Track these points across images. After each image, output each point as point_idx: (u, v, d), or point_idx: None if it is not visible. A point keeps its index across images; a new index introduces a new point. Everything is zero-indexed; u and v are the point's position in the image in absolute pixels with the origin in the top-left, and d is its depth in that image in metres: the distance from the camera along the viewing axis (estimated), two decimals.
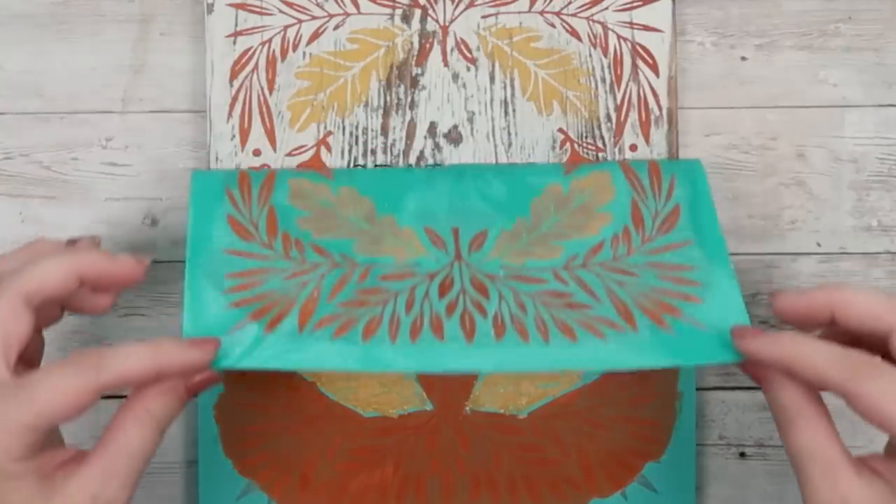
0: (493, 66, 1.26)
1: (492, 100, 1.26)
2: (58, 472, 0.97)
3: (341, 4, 1.26)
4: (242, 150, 1.26)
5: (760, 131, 1.29)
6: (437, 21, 1.26)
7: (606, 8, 1.26)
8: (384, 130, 1.26)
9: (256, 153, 1.26)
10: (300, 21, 1.26)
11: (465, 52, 1.26)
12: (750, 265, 1.29)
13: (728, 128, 1.29)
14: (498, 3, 1.26)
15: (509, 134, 1.26)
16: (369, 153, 1.26)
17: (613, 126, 1.26)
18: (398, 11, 1.26)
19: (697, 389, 1.29)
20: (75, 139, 1.28)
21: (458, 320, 1.08)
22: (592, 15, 1.26)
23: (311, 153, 1.26)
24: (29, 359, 1.04)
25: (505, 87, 1.26)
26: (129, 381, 0.97)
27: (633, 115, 1.26)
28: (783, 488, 1.30)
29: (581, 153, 1.26)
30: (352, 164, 1.26)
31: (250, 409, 1.20)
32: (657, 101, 1.26)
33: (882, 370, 0.93)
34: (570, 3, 1.26)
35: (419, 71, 1.26)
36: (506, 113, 1.26)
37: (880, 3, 1.28)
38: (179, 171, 1.29)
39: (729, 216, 1.29)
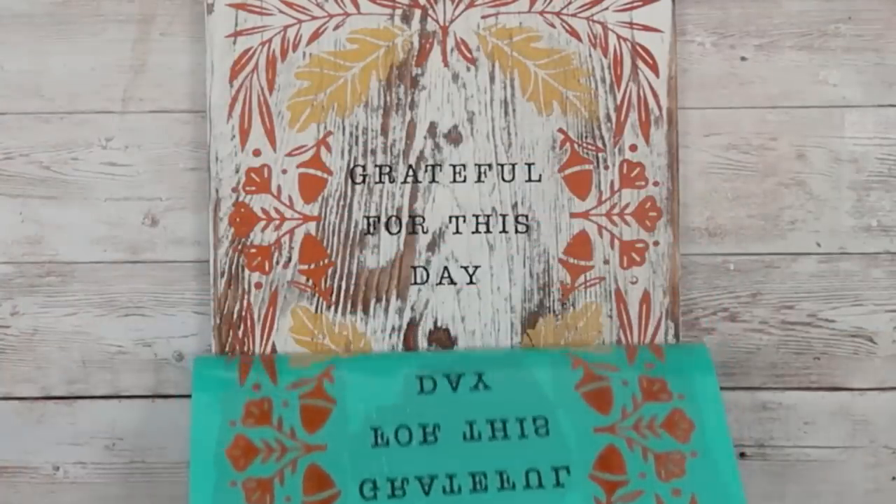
0: (493, 66, 1.26)
1: (492, 100, 1.26)
2: None
3: (341, 4, 1.26)
4: (242, 150, 1.26)
5: (760, 131, 1.29)
6: (437, 21, 1.26)
7: (606, 8, 1.26)
8: (384, 130, 1.26)
9: (256, 153, 1.26)
10: (300, 21, 1.26)
11: (465, 52, 1.26)
12: (750, 265, 1.29)
13: (728, 128, 1.29)
14: (498, 3, 1.26)
15: (509, 134, 1.26)
16: (369, 153, 1.26)
17: (613, 126, 1.26)
18: (398, 11, 1.26)
19: None
20: (75, 139, 1.28)
21: None
22: (592, 15, 1.26)
23: (311, 153, 1.26)
24: None
25: (505, 87, 1.26)
26: None
27: (633, 115, 1.26)
28: (783, 488, 1.30)
29: (581, 153, 1.26)
30: (352, 164, 1.26)
31: None
32: (657, 101, 1.26)
33: None
34: (570, 3, 1.26)
35: (419, 71, 1.26)
36: (506, 113, 1.26)
37: (880, 3, 1.28)
38: (179, 171, 1.29)
39: (729, 216, 1.29)
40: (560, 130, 1.26)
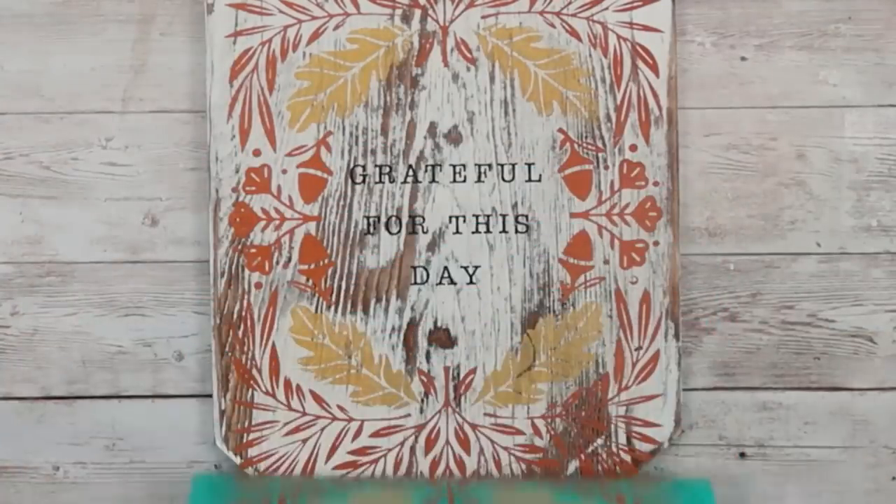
0: (493, 66, 1.26)
1: (492, 100, 1.26)
2: None
3: (341, 4, 1.26)
4: (242, 150, 1.26)
5: (760, 131, 1.29)
6: (437, 21, 1.26)
7: (606, 8, 1.26)
8: (384, 130, 1.26)
9: (256, 153, 1.26)
10: (300, 21, 1.26)
11: (465, 52, 1.26)
12: (750, 265, 1.29)
13: (728, 128, 1.29)
14: (498, 3, 1.26)
15: (509, 134, 1.26)
16: (369, 153, 1.26)
17: (613, 126, 1.26)
18: (398, 11, 1.26)
19: (698, 390, 1.29)
20: (75, 139, 1.28)
21: None
22: (592, 15, 1.26)
23: (311, 153, 1.26)
24: None
25: (505, 87, 1.26)
26: None
27: (633, 115, 1.26)
28: (783, 488, 1.30)
29: (581, 153, 1.26)
30: (352, 164, 1.26)
31: None
32: (657, 101, 1.26)
33: None
34: (570, 3, 1.26)
35: (419, 71, 1.26)
36: (506, 113, 1.26)
37: (880, 3, 1.28)
38: (179, 171, 1.29)
39: (729, 216, 1.29)
40: (560, 130, 1.26)
